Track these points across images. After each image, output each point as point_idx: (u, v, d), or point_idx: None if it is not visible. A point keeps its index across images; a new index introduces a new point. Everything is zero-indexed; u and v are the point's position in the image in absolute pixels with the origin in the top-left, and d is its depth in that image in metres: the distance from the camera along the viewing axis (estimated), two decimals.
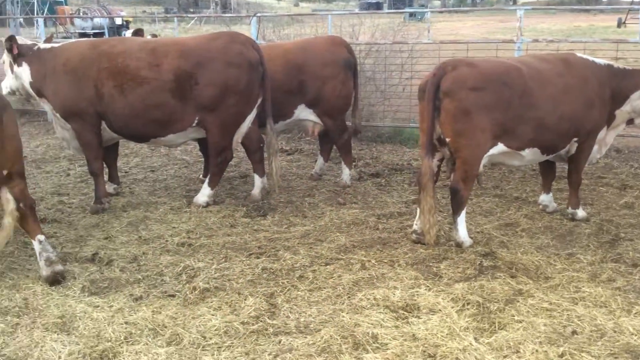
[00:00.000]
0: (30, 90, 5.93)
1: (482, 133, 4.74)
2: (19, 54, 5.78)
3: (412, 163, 7.73)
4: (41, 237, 4.37)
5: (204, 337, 3.63)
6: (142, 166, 7.68)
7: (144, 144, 6.84)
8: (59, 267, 4.37)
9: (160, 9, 41.99)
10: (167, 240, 5.14)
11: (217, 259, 4.75)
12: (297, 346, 3.52)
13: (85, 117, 5.74)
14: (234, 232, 5.38)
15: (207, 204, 5.99)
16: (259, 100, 5.92)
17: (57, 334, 3.66)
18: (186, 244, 5.08)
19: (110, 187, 6.36)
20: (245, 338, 3.62)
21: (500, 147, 4.90)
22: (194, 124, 5.78)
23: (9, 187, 4.24)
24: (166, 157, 8.18)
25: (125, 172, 7.34)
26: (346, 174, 6.70)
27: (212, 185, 6.03)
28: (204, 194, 6.02)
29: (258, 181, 6.21)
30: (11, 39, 5.73)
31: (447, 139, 4.77)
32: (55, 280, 4.31)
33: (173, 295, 4.17)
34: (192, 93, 5.61)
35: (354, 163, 6.98)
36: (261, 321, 3.81)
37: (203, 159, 7.00)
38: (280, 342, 3.57)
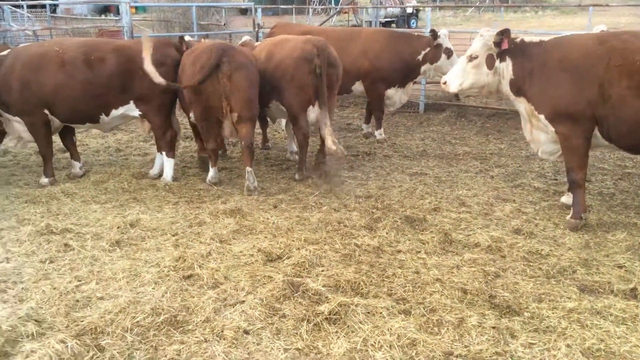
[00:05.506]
0: (507, 88, 5.46)
1: None
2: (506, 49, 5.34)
3: None
4: (249, 169, 5.86)
5: None
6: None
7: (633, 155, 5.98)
8: (254, 193, 5.87)
9: None
10: None
11: None
12: None
13: (579, 121, 5.05)
14: None
15: None
16: None
17: None
18: None
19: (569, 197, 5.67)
20: None
21: None
22: None
23: (238, 127, 5.74)
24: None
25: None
26: None
27: None
28: None
29: None
30: (504, 33, 5.28)
31: None
32: (248, 193, 5.88)
33: None
34: None
35: None
36: None
37: None
38: None
